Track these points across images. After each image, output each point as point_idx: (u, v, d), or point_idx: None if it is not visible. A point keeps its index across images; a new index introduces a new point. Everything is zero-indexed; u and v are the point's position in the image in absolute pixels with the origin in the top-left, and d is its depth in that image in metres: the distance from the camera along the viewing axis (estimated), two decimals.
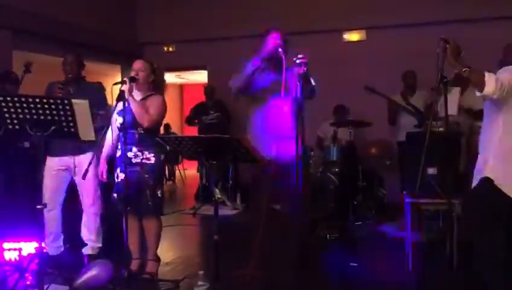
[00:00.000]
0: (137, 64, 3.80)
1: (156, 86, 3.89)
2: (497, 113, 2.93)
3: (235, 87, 3.36)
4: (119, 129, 3.69)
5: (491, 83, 2.77)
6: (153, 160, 3.75)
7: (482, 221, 2.98)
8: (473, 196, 3.05)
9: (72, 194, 4.15)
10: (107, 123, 3.67)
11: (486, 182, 2.90)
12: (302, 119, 2.99)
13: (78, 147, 3.93)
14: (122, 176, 3.68)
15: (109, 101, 4.87)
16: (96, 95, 4.03)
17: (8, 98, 2.90)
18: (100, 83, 4.15)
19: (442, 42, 2.90)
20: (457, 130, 4.67)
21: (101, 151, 3.86)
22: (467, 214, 3.16)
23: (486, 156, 2.96)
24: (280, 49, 3.15)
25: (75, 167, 4.00)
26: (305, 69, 2.98)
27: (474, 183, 3.01)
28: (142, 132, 3.72)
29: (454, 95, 3.29)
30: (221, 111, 7.36)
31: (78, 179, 4.03)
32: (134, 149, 3.74)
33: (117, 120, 3.73)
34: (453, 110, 3.36)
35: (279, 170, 3.06)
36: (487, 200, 2.94)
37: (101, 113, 3.93)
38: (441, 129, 3.96)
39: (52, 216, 4.03)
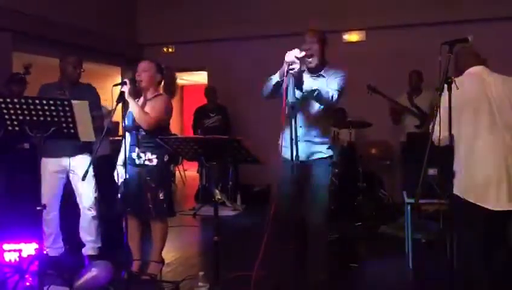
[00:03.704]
0: (142, 65, 3.79)
1: (166, 87, 3.88)
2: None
3: (263, 96, 3.31)
4: (124, 130, 3.70)
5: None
6: (155, 162, 3.74)
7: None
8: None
9: (70, 195, 4.14)
10: (103, 125, 3.67)
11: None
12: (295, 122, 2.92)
13: (73, 148, 3.92)
14: (126, 176, 3.68)
15: (109, 103, 4.89)
16: (90, 97, 4.03)
17: (8, 100, 2.91)
18: (90, 84, 4.15)
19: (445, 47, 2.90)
20: None
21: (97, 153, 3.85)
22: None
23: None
24: (294, 65, 2.89)
25: (70, 168, 4.00)
26: (295, 68, 2.87)
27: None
28: (144, 133, 3.72)
29: None
30: (222, 114, 7.31)
31: (74, 180, 4.03)
32: (137, 150, 3.74)
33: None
34: None
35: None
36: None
37: (95, 114, 3.92)
38: None
39: (51, 217, 4.03)
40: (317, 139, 3.32)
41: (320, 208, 3.33)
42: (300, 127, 3.19)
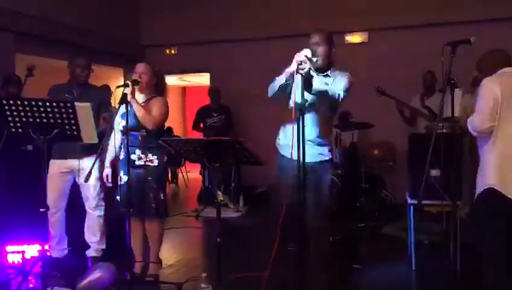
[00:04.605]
0: (140, 67, 3.81)
1: (158, 89, 3.91)
2: None
3: (270, 97, 3.30)
4: (122, 132, 3.71)
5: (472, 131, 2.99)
6: (156, 162, 3.76)
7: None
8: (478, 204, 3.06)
9: (75, 196, 4.15)
10: (110, 126, 3.68)
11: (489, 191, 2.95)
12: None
13: (82, 150, 3.93)
14: (125, 178, 3.69)
15: (111, 104, 4.90)
16: (100, 98, 4.05)
17: (11, 102, 2.92)
18: (107, 86, 4.17)
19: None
20: (460, 131, 4.65)
21: (105, 155, 3.87)
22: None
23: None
24: (304, 65, 2.83)
25: (79, 169, 4.01)
26: (305, 68, 2.84)
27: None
28: (146, 134, 3.73)
29: (457, 97, 3.29)
30: (225, 114, 7.30)
31: (80, 181, 4.04)
32: (138, 152, 3.75)
33: (120, 123, 3.75)
34: (456, 111, 3.35)
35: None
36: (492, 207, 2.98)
37: (104, 116, 3.95)
38: (444, 131, 3.95)
39: (56, 219, 4.05)
40: (319, 141, 3.31)
41: (321, 209, 3.32)
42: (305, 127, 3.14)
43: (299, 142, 2.79)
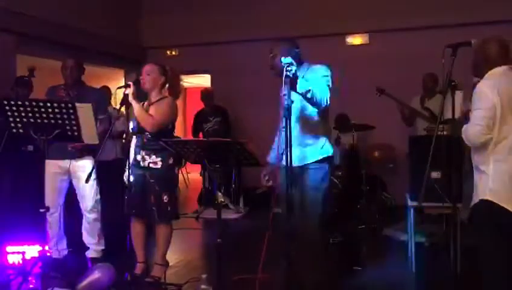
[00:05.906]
0: (146, 67, 3.81)
1: (170, 88, 3.88)
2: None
3: None
4: (133, 133, 3.72)
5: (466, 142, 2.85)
6: (159, 164, 3.73)
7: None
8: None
9: (74, 197, 4.15)
10: (108, 128, 3.68)
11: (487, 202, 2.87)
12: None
13: (75, 151, 3.93)
14: (131, 179, 3.69)
15: (113, 104, 4.90)
16: (96, 99, 4.04)
17: (12, 102, 2.92)
18: (106, 87, 4.16)
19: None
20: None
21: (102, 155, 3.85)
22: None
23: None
24: (292, 67, 2.82)
25: (72, 171, 4.01)
26: (289, 70, 2.84)
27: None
28: (150, 135, 3.72)
29: (457, 99, 3.28)
30: (221, 117, 7.22)
31: (76, 183, 4.04)
32: (142, 153, 3.75)
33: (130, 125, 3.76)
34: (456, 113, 3.35)
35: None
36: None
37: (100, 117, 3.93)
38: (445, 132, 3.95)
39: (54, 219, 4.04)
40: (309, 141, 3.26)
41: (310, 213, 3.24)
42: (293, 131, 2.95)
43: (287, 145, 2.78)
